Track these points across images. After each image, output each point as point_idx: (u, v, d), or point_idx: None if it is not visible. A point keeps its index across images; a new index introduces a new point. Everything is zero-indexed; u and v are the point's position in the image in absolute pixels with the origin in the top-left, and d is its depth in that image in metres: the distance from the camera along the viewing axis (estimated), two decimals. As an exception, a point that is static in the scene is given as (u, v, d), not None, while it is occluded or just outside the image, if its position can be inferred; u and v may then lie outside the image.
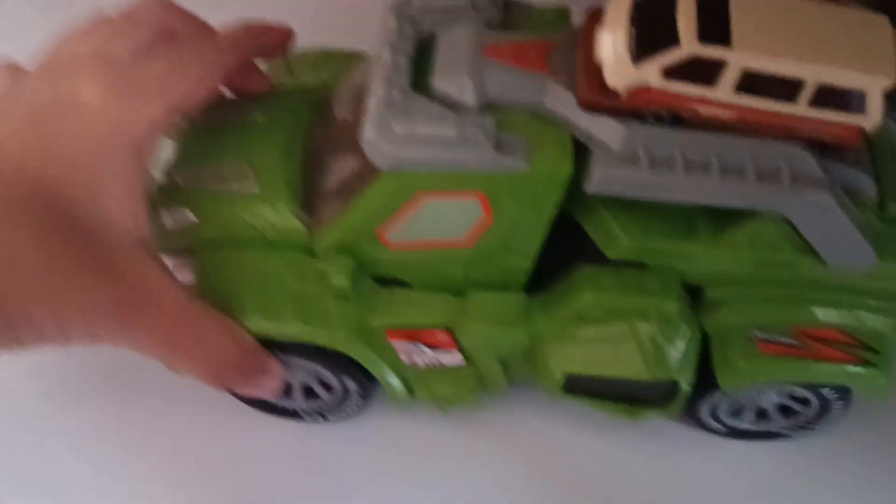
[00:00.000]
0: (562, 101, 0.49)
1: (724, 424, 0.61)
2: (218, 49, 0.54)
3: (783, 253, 0.52)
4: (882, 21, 0.47)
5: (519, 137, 0.48)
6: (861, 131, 0.48)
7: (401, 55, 0.50)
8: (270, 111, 0.58)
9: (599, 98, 0.47)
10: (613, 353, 0.54)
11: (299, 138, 0.57)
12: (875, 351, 0.54)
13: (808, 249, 0.51)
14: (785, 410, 0.61)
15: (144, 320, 0.47)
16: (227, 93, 0.61)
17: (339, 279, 0.51)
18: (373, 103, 0.49)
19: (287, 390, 0.59)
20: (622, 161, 0.48)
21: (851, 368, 0.53)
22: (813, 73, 0.45)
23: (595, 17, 0.49)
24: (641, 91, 0.46)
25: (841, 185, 0.52)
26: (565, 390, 0.56)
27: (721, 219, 0.52)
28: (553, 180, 0.48)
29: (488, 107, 0.49)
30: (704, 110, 0.47)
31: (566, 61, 0.49)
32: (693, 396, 0.58)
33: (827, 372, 0.54)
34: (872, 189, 0.53)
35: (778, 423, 0.61)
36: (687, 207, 0.52)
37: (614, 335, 0.53)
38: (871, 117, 0.47)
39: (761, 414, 0.61)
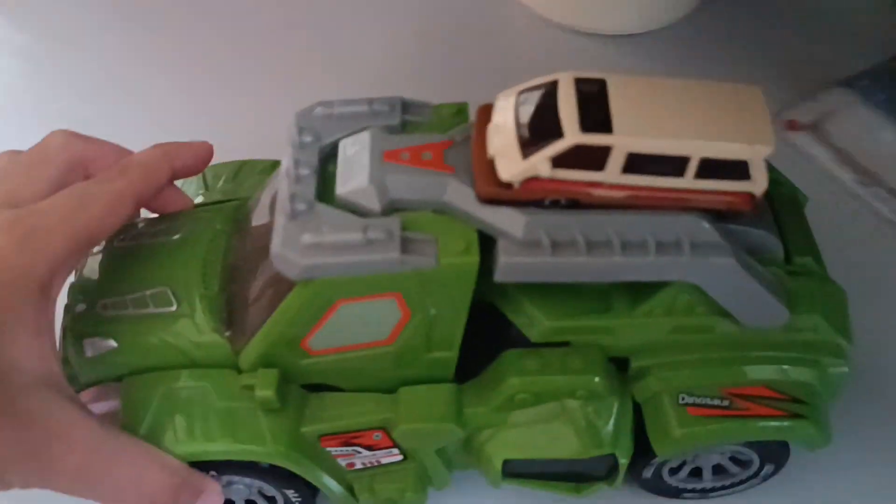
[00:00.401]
0: (462, 198, 0.50)
1: (673, 486, 0.62)
2: (128, 177, 0.55)
3: (699, 317, 0.53)
4: (754, 92, 0.49)
5: (425, 236, 0.49)
6: (751, 196, 0.49)
7: (303, 167, 0.52)
8: (188, 228, 0.59)
9: (496, 191, 0.48)
10: (547, 434, 0.54)
11: (217, 253, 0.57)
12: (803, 402, 0.55)
13: (723, 311, 0.53)
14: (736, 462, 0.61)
15: (56, 462, 0.46)
16: (148, 214, 0.61)
17: (265, 392, 0.51)
18: (278, 217, 0.50)
19: (230, 505, 0.59)
20: (526, 248, 0.49)
21: (783, 423, 0.54)
22: (694, 149, 0.46)
23: (484, 113, 0.51)
24: (534, 182, 0.47)
25: (746, 247, 0.53)
26: (506, 476, 0.56)
27: (636, 291, 0.53)
28: (462, 274, 0.49)
29: (393, 209, 0.51)
30: (598, 193, 0.48)
31: (464, 158, 0.51)
32: (637, 463, 0.59)
33: (759, 429, 0.54)
34: (777, 245, 0.55)
35: (730, 477, 0.61)
36: (602, 283, 0.54)
37: (546, 417, 0.54)
38: (758, 183, 0.48)
39: (714, 470, 0.61)
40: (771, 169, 0.60)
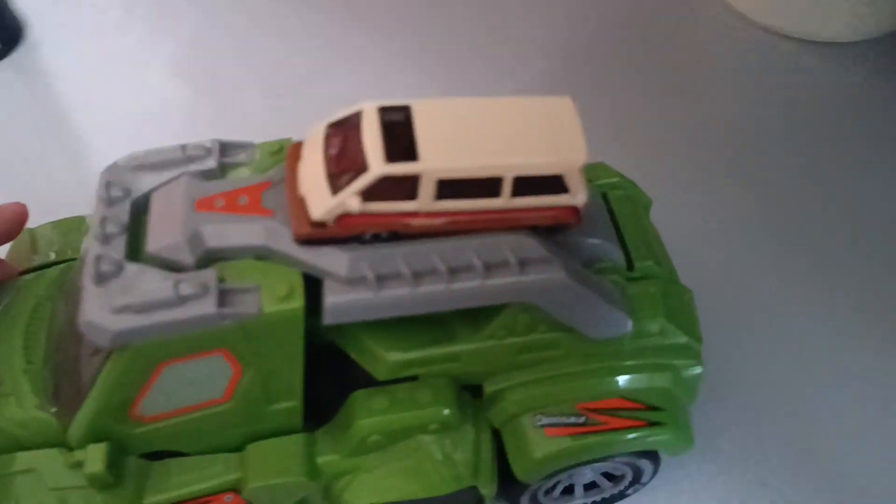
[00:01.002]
0: (282, 241, 0.47)
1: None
2: None
3: (543, 335, 0.52)
4: (565, 102, 0.48)
5: (246, 285, 0.47)
6: (574, 209, 0.48)
7: (111, 224, 0.49)
8: (10, 299, 0.55)
9: (312, 231, 0.46)
10: (405, 474, 0.52)
11: (41, 322, 0.54)
12: (660, 409, 0.54)
13: (566, 327, 0.52)
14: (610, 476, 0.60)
15: None
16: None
17: (94, 466, 0.48)
18: (85, 282, 0.47)
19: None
20: (352, 287, 0.47)
21: (641, 433, 0.53)
22: (505, 169, 0.45)
23: (296, 150, 0.49)
24: (348, 218, 0.46)
25: (583, 258, 0.53)
26: (366, 521, 0.54)
27: (476, 316, 0.52)
28: (288, 320, 0.47)
29: (212, 260, 0.48)
30: (417, 222, 0.47)
31: (280, 199, 0.49)
32: (512, 492, 0.57)
33: (619, 443, 0.53)
34: (616, 252, 0.54)
35: (607, 489, 0.60)
36: (442, 312, 0.52)
37: (401, 456, 0.52)
38: (577, 195, 0.48)
39: (588, 486, 0.60)
40: (613, 174, 0.61)
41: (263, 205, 0.49)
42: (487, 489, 0.52)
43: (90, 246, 0.48)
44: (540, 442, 0.52)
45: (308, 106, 0.85)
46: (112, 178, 0.51)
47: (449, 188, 0.45)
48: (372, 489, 0.52)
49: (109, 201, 0.50)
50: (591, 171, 0.61)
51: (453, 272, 0.47)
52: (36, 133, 0.90)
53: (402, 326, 0.51)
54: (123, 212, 0.50)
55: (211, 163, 0.52)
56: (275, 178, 0.50)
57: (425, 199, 0.45)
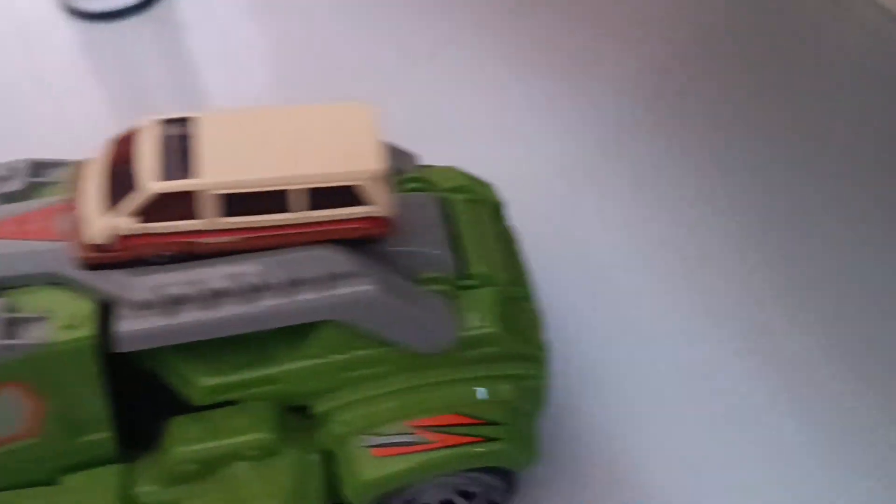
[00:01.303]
0: (69, 265, 0.46)
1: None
2: None
3: (365, 350, 0.49)
4: (361, 110, 0.46)
5: (35, 314, 0.45)
6: (382, 219, 0.46)
7: None
8: None
9: (95, 255, 0.44)
10: (227, 503, 0.50)
11: None
12: (499, 424, 0.51)
13: (388, 342, 0.49)
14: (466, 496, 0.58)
15: None
16: None
17: None
18: None
19: None
20: (144, 312, 0.45)
21: (476, 449, 0.50)
22: (291, 182, 0.43)
23: (84, 171, 0.47)
24: (130, 239, 0.44)
25: (411, 269, 0.50)
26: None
27: (294, 335, 0.49)
28: (78, 349, 0.44)
29: (2, 289, 0.46)
30: (206, 240, 0.44)
31: (72, 221, 0.47)
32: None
33: (451, 460, 0.50)
34: (444, 260, 0.52)
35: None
36: (258, 334, 0.50)
37: (217, 486, 0.49)
38: (378, 204, 0.45)
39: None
40: (461, 177, 0.58)
41: (57, 227, 0.47)
42: (320, 514, 0.50)
43: None
44: (366, 464, 0.50)
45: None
46: None
47: (235, 204, 0.43)
48: (195, 521, 0.50)
49: None
50: (438, 175, 0.58)
51: (255, 290, 0.45)
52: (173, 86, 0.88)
53: (217, 349, 0.49)
54: None
55: (16, 184, 0.50)
56: (73, 200, 0.48)
57: (209, 216, 0.43)
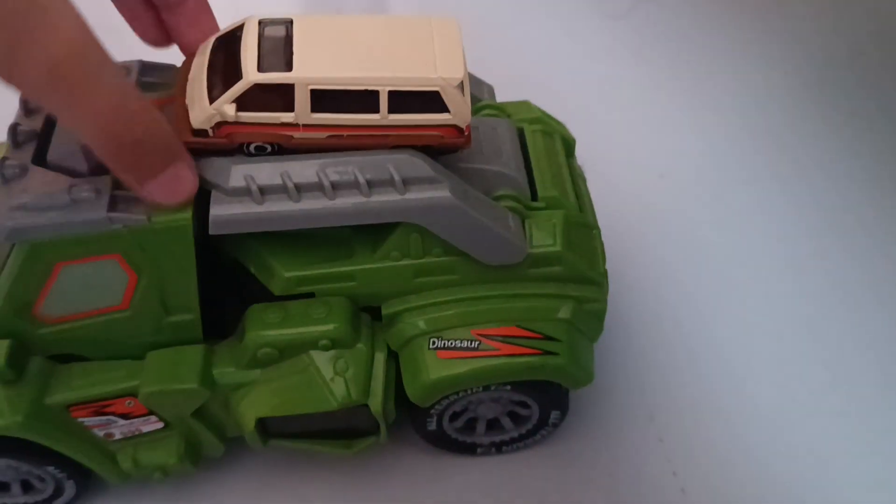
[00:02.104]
0: None
1: (467, 441, 0.61)
2: None
3: (438, 258, 0.52)
4: (450, 23, 0.48)
5: None
6: (458, 129, 0.49)
7: (24, 131, 0.51)
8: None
9: (193, 140, 0.47)
10: (298, 389, 0.53)
11: None
12: (556, 340, 0.54)
13: (460, 251, 0.52)
14: (515, 418, 0.60)
15: (36, 37, 0.38)
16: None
17: None
18: None
19: (3, 487, 0.58)
20: (237, 199, 0.48)
21: (534, 361, 0.53)
22: (379, 82, 0.46)
23: (186, 66, 0.50)
24: (227, 127, 0.47)
25: (487, 186, 0.53)
26: (266, 435, 0.55)
27: (375, 237, 0.52)
28: (176, 230, 0.48)
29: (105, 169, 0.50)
30: (299, 136, 0.47)
31: (178, 112, 0.50)
32: (418, 417, 0.58)
33: (510, 369, 0.53)
34: (519, 181, 0.54)
35: (509, 430, 0.60)
36: (343, 233, 0.53)
37: (295, 371, 0.53)
38: (458, 114, 0.48)
39: (492, 425, 0.60)
40: (535, 111, 0.61)
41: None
42: (378, 409, 0.53)
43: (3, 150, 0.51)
44: (431, 365, 0.53)
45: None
46: None
47: (325, 101, 0.46)
48: (266, 402, 0.53)
49: (27, 110, 0.52)
50: (514, 108, 0.61)
51: (336, 188, 0.48)
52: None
53: (303, 243, 0.53)
54: (38, 120, 0.52)
55: (129, 80, 0.54)
56: (176, 93, 0.52)
57: (302, 110, 0.46)
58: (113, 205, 0.47)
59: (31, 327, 0.51)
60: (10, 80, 0.41)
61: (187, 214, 0.48)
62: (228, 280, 0.56)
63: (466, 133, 0.49)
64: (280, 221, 0.48)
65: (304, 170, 0.48)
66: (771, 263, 0.73)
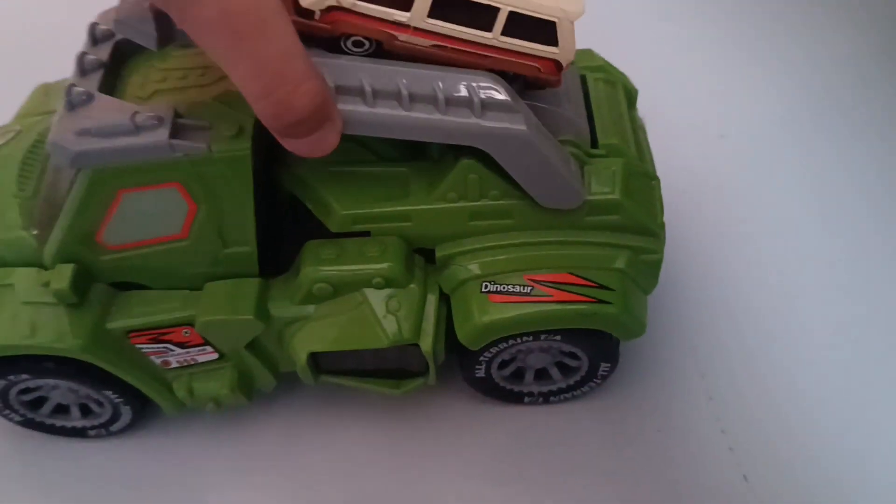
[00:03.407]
0: None
1: (514, 390, 0.61)
2: None
3: (493, 201, 0.52)
4: None
5: (200, 121, 0.49)
6: (557, 65, 0.48)
7: (91, 62, 0.52)
8: (13, 135, 0.59)
9: (297, 19, 0.46)
10: (350, 325, 0.53)
11: (37, 158, 0.57)
12: (610, 289, 0.53)
13: (519, 194, 0.51)
14: (563, 369, 0.60)
15: None
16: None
17: (59, 283, 0.51)
18: (58, 108, 0.50)
19: (63, 409, 0.60)
20: None
21: (586, 309, 0.53)
22: (504, 1, 0.45)
23: None
24: (335, 14, 0.46)
25: (549, 124, 0.52)
26: (317, 371, 0.56)
27: (432, 177, 0.52)
28: (235, 161, 0.49)
29: None
30: (403, 38, 0.47)
31: None
32: (467, 363, 0.58)
33: (562, 316, 0.53)
34: (583, 127, 0.54)
35: (557, 380, 0.60)
36: (401, 172, 0.53)
37: (348, 307, 0.53)
38: (564, 50, 0.47)
39: (540, 374, 0.60)
40: (598, 60, 0.60)
41: None
42: (429, 348, 0.53)
43: (70, 80, 0.51)
44: (483, 307, 0.53)
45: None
46: (102, 21, 0.54)
47: (444, 8, 0.46)
48: (318, 337, 0.54)
49: (95, 40, 0.53)
50: (577, 56, 0.60)
51: (413, 99, 0.47)
52: None
53: (361, 181, 0.53)
54: (105, 50, 0.53)
55: None
56: None
57: (418, 12, 0.46)
58: (175, 132, 0.48)
59: (94, 254, 0.53)
60: (183, 18, 0.41)
61: (246, 145, 0.48)
62: (288, 217, 0.56)
63: (562, 72, 0.48)
64: (347, 124, 0.47)
65: (385, 75, 0.47)
66: (829, 228, 0.71)
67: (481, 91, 0.47)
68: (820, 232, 0.71)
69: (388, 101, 0.47)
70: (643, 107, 0.63)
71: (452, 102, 0.47)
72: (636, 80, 0.62)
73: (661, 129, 0.65)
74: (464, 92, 0.47)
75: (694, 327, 0.65)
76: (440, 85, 0.47)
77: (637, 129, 0.59)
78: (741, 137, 0.78)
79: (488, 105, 0.47)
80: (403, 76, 0.47)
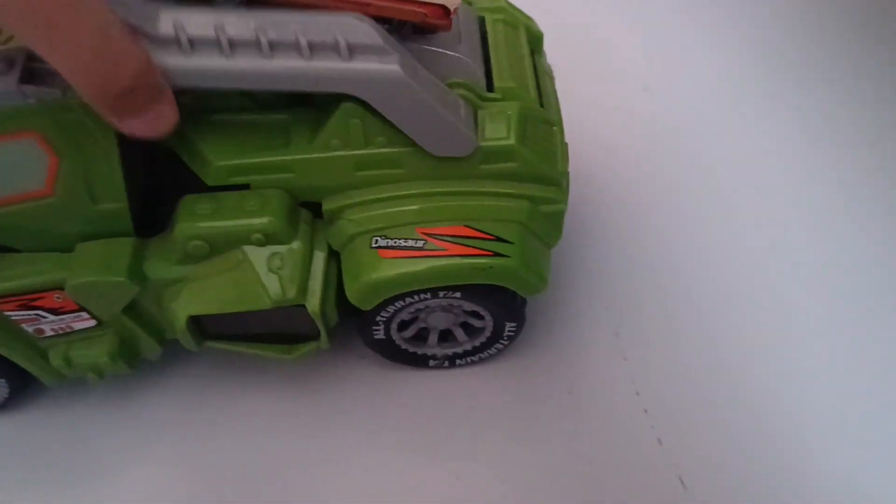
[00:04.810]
0: None
1: (418, 353, 0.58)
2: None
3: (380, 149, 0.48)
4: None
5: None
6: (444, 9, 0.45)
7: None
8: None
9: None
10: (231, 285, 0.50)
11: None
12: (508, 242, 0.50)
13: (407, 141, 0.48)
14: (468, 330, 0.57)
15: None
16: None
17: None
18: None
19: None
20: (162, 48, 0.43)
21: (483, 262, 0.49)
22: None
23: None
24: None
25: (442, 72, 0.49)
26: (200, 336, 0.53)
27: (314, 124, 0.49)
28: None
29: None
30: None
31: None
32: (365, 325, 0.55)
33: (457, 271, 0.50)
34: (475, 70, 0.50)
35: (463, 342, 0.57)
36: (282, 120, 0.50)
37: (224, 267, 0.50)
38: None
39: (445, 337, 0.58)
40: (500, 1, 0.56)
41: None
42: (316, 309, 0.50)
43: None
44: (372, 264, 0.49)
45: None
46: None
47: None
48: (196, 300, 0.50)
49: None
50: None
51: (273, 48, 0.44)
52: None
53: (238, 131, 0.49)
54: None
55: None
56: None
57: None
58: (27, 77, 0.44)
59: (-47, 213, 0.49)
60: None
61: None
62: (169, 175, 0.53)
63: (450, 17, 0.45)
64: (207, 78, 0.44)
65: (241, 23, 0.43)
66: (752, 184, 0.69)
67: (348, 33, 0.44)
68: (742, 187, 0.68)
69: (247, 50, 0.43)
70: (560, 54, 0.60)
71: (317, 48, 0.44)
72: (552, 25, 0.59)
73: (579, 78, 0.62)
74: (329, 36, 0.44)
75: (609, 286, 0.62)
76: (302, 29, 0.43)
77: (542, 74, 0.55)
78: (666, 91, 0.75)
79: (357, 48, 0.44)
80: (260, 23, 0.43)
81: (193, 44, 0.43)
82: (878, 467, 0.54)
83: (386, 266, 0.49)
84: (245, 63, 0.44)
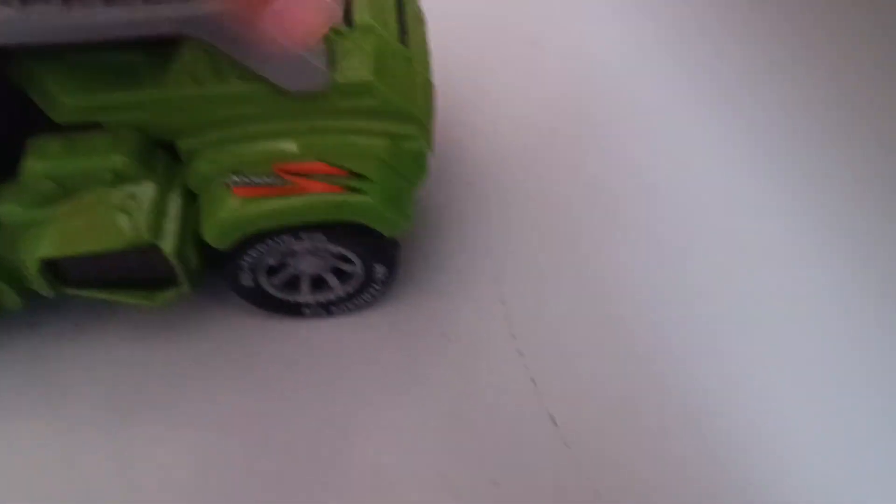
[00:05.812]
0: None
1: (290, 301, 0.57)
2: None
3: (232, 86, 0.48)
4: None
5: None
6: None
7: None
8: None
9: None
10: (80, 227, 0.49)
11: None
12: (365, 178, 0.50)
13: (260, 78, 0.48)
14: (340, 275, 0.57)
15: None
16: None
17: None
18: None
19: None
20: None
21: (338, 198, 0.49)
22: None
23: None
24: None
25: None
26: (56, 281, 0.51)
27: (162, 61, 0.48)
28: None
29: None
30: None
31: None
32: (232, 271, 0.54)
33: (311, 207, 0.49)
34: (336, 7, 0.50)
35: (336, 288, 0.57)
36: (136, 58, 0.49)
37: (76, 208, 0.48)
38: None
39: (319, 285, 0.57)
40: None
41: None
42: (171, 250, 0.49)
43: None
44: (225, 202, 0.49)
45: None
46: None
47: None
48: (48, 242, 0.49)
49: None
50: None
51: None
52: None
53: (87, 67, 0.48)
54: None
55: None
56: None
57: None
58: None
59: None
60: None
61: None
62: (29, 119, 0.51)
63: None
64: (46, 32, 0.43)
65: None
66: (638, 131, 0.69)
67: None
68: (630, 134, 0.68)
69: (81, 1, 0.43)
70: (440, 10, 0.60)
71: None
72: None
73: (460, 28, 0.62)
74: None
75: (491, 234, 0.62)
76: None
77: (411, 19, 0.55)
78: (555, 46, 0.75)
79: None
80: None
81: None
82: (750, 394, 0.55)
83: (239, 203, 0.49)
84: (82, 13, 0.43)
